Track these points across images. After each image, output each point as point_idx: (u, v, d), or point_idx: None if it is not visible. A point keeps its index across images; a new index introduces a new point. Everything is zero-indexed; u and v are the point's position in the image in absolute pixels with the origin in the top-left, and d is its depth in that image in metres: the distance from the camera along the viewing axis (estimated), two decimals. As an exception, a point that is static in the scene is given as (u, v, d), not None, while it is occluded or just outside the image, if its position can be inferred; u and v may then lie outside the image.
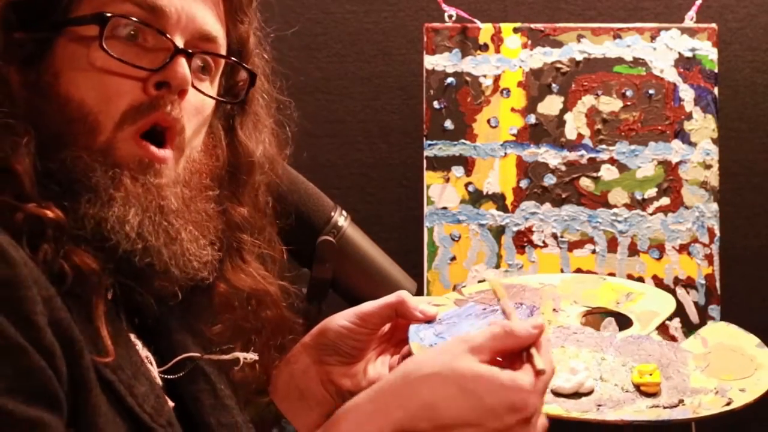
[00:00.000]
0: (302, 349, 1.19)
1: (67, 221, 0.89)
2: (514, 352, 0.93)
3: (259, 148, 1.08)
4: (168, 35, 0.96)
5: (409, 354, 1.16)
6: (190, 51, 0.98)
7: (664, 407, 1.07)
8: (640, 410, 1.11)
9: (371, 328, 1.19)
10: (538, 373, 0.90)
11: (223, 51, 1.02)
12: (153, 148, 0.96)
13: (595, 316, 1.28)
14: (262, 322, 1.09)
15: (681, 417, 1.10)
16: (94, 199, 0.92)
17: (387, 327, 1.23)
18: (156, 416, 0.90)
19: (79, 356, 0.84)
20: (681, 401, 1.11)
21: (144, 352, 0.98)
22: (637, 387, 1.11)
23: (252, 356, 1.07)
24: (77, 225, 0.91)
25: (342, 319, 1.18)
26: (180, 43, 0.97)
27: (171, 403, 0.96)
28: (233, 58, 1.05)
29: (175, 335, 1.03)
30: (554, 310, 1.24)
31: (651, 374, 1.12)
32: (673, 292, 1.61)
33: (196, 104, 1.00)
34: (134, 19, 0.95)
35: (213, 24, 1.01)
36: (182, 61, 0.97)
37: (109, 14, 0.94)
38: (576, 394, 1.10)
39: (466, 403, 0.88)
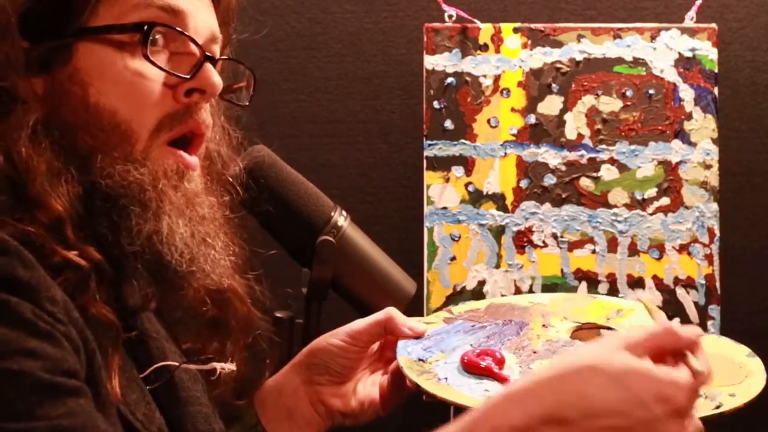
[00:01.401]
0: (292, 369, 1.20)
1: (106, 258, 0.90)
2: (669, 354, 0.92)
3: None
4: (198, 41, 0.96)
5: (398, 370, 1.16)
6: (215, 57, 0.98)
7: None
8: None
9: (361, 346, 1.19)
10: (695, 373, 0.90)
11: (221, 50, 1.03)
12: (185, 155, 0.97)
13: (602, 332, 1.28)
14: (231, 319, 1.10)
15: None
16: (143, 213, 0.92)
17: (376, 346, 1.24)
18: (147, 423, 0.91)
19: (92, 356, 0.85)
20: None
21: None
22: None
23: (229, 366, 1.07)
24: (129, 241, 0.92)
25: (332, 338, 1.19)
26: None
27: None
28: (243, 63, 1.06)
29: (153, 342, 1.03)
30: (544, 325, 1.24)
31: None
32: (673, 292, 1.61)
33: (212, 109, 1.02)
34: (178, 29, 0.95)
35: (216, 25, 1.02)
36: (211, 68, 0.97)
37: (148, 22, 0.93)
38: None
39: (615, 394, 0.87)
